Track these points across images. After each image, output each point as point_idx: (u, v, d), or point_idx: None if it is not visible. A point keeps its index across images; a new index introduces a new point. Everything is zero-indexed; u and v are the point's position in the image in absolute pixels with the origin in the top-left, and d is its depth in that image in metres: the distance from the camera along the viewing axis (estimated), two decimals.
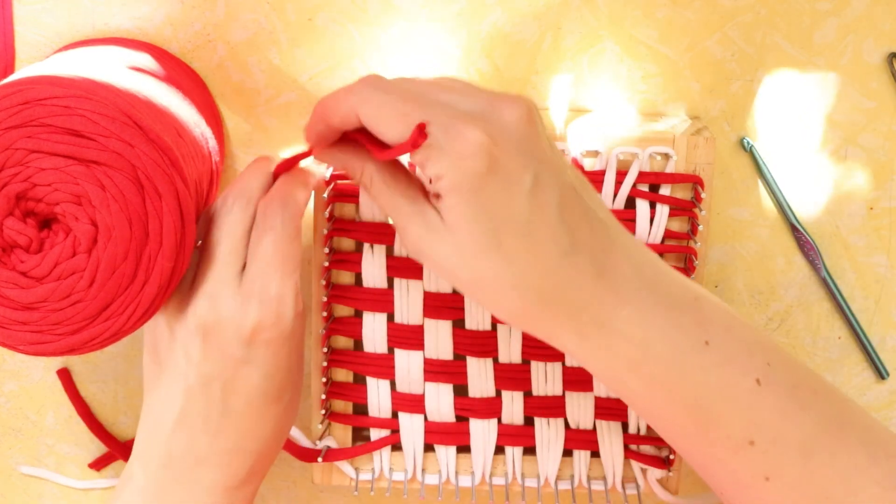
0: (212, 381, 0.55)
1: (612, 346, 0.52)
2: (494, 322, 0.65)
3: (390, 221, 0.63)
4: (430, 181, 0.50)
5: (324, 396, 0.66)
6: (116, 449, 0.72)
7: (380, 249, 0.64)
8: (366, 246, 0.64)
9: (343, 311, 0.65)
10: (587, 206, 0.51)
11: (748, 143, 0.66)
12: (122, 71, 0.56)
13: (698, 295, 0.53)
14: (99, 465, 0.73)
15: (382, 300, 0.64)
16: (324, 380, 0.66)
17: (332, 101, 0.53)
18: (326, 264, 0.64)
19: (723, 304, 0.54)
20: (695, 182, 0.63)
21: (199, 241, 0.56)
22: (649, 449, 0.67)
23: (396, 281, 0.64)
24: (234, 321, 0.54)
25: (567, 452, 0.67)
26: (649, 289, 0.52)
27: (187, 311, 0.55)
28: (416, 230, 0.52)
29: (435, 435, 0.67)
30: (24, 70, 0.55)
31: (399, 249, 0.64)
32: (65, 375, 0.71)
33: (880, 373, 0.70)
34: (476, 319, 0.65)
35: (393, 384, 0.66)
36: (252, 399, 0.56)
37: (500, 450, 0.68)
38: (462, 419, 0.67)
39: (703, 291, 0.54)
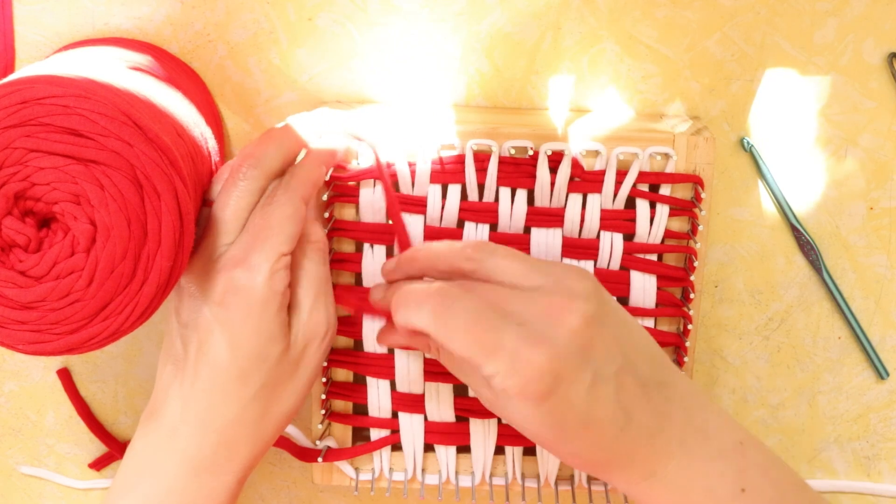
0: (191, 341, 0.56)
1: (656, 494, 0.56)
2: None
3: (389, 221, 0.63)
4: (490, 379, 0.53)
5: (324, 396, 0.66)
6: (116, 449, 0.72)
7: (380, 250, 0.64)
8: (366, 246, 0.64)
9: (344, 311, 0.65)
10: (645, 381, 0.55)
11: (748, 143, 0.66)
12: (122, 71, 0.56)
13: (742, 439, 0.56)
14: (99, 465, 0.73)
15: None
16: (324, 380, 0.66)
17: (405, 312, 0.55)
18: None
19: (763, 445, 0.58)
20: (695, 182, 0.63)
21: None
22: None
23: None
24: (207, 279, 0.56)
25: None
26: (697, 437, 0.55)
27: (184, 272, 0.56)
28: (485, 394, 0.56)
29: (435, 435, 0.67)
30: (24, 70, 0.55)
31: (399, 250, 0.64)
32: (65, 375, 0.71)
33: (880, 373, 0.70)
34: None
35: (393, 384, 0.66)
36: (218, 371, 0.56)
37: (500, 450, 0.68)
38: (462, 419, 0.67)
39: (745, 433, 0.57)
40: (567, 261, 0.64)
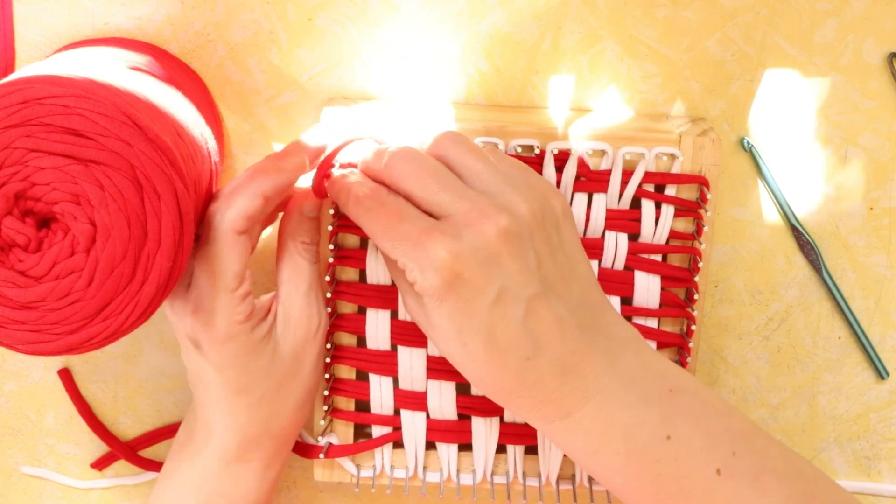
0: (188, 367, 0.61)
1: (573, 435, 0.55)
2: None
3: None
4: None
5: (326, 393, 0.66)
6: (118, 448, 0.72)
7: None
8: (370, 242, 0.64)
9: (347, 307, 0.65)
10: (564, 317, 0.54)
11: (748, 143, 0.66)
12: (122, 71, 0.56)
13: (674, 387, 0.56)
14: (101, 464, 0.73)
15: (386, 296, 0.64)
16: (326, 376, 0.66)
17: (343, 206, 0.58)
18: (331, 260, 0.64)
19: (702, 391, 0.57)
20: (700, 183, 0.63)
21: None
22: None
23: None
24: (181, 325, 0.59)
25: None
26: (619, 383, 0.55)
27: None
28: (409, 301, 0.58)
29: (437, 433, 0.67)
30: (24, 70, 0.55)
31: None
32: (65, 375, 0.71)
33: (880, 373, 0.70)
34: None
35: (395, 381, 0.66)
36: (215, 389, 0.60)
37: (501, 448, 0.68)
38: (464, 417, 0.67)
39: (683, 381, 0.57)
40: None
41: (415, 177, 0.55)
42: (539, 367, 0.54)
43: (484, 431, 0.67)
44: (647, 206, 0.63)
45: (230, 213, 0.57)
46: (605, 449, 0.55)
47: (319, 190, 0.60)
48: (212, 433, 0.61)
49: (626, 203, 0.63)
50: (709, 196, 0.63)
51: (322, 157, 0.60)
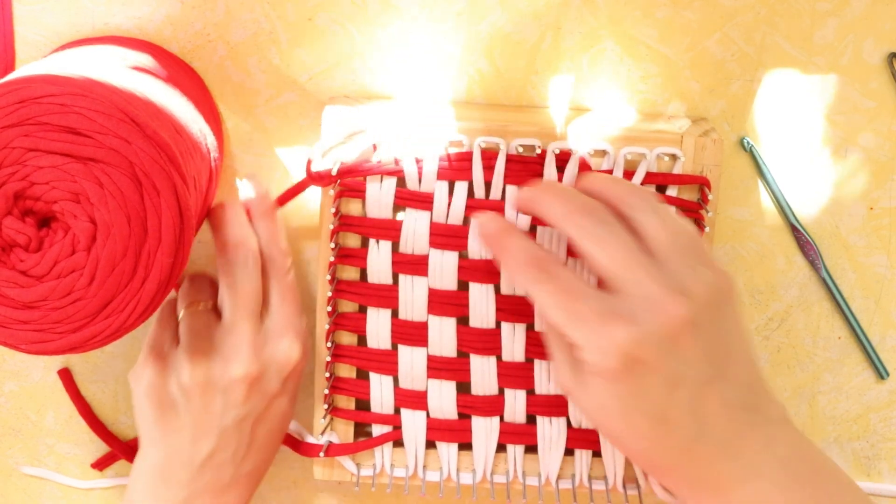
0: (248, 417, 0.61)
1: None
2: (498, 320, 0.65)
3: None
4: (576, 350, 0.55)
5: (327, 392, 0.66)
6: (118, 448, 0.72)
7: (385, 245, 0.64)
8: (371, 242, 0.64)
9: (348, 306, 0.66)
10: (727, 400, 0.54)
11: (748, 143, 0.66)
12: (120, 69, 0.56)
13: (818, 468, 0.56)
14: (101, 465, 0.73)
15: (387, 296, 0.64)
16: (327, 375, 0.66)
17: (508, 270, 0.59)
18: (332, 259, 0.64)
19: (841, 474, 0.57)
20: (702, 183, 0.63)
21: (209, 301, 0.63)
22: None
23: (401, 277, 0.64)
24: (278, 361, 0.61)
25: (569, 451, 0.67)
26: (775, 465, 0.55)
27: (227, 365, 0.60)
28: (566, 373, 0.57)
29: (437, 432, 0.67)
30: (22, 69, 0.55)
31: (404, 245, 0.64)
32: (66, 375, 0.71)
33: (880, 373, 0.70)
34: (480, 317, 0.65)
35: (396, 380, 0.66)
36: (275, 427, 0.63)
37: (501, 448, 0.68)
38: (464, 416, 0.67)
39: (821, 460, 0.57)
40: (572, 260, 0.64)
41: (603, 245, 0.55)
42: (703, 449, 0.54)
43: (484, 431, 0.67)
44: None
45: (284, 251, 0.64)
46: None
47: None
48: (232, 488, 0.62)
49: None
50: (710, 196, 0.63)
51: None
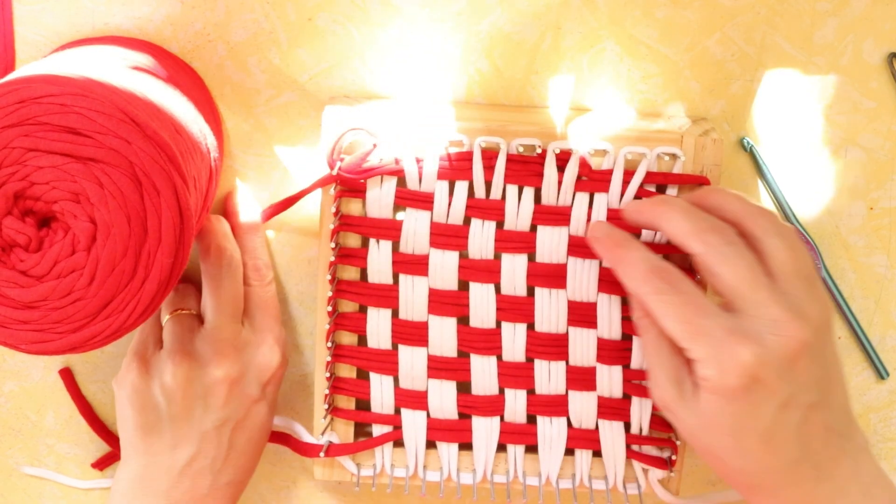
0: (227, 422, 0.62)
1: None
2: (499, 320, 0.65)
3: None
4: (691, 362, 0.55)
5: (327, 392, 0.66)
6: (119, 448, 0.72)
7: (385, 245, 0.64)
8: (371, 242, 0.64)
9: (348, 306, 0.66)
10: (828, 424, 0.56)
11: (748, 143, 0.66)
12: (120, 69, 0.56)
13: (893, 497, 0.58)
14: (102, 464, 0.73)
15: (387, 296, 0.64)
16: (327, 375, 0.66)
17: (626, 278, 0.58)
18: (332, 259, 0.64)
19: None
20: (702, 183, 0.63)
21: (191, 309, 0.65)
22: (651, 449, 0.67)
23: (402, 277, 0.64)
24: (258, 366, 0.63)
25: (569, 451, 0.67)
26: (859, 490, 0.56)
27: (210, 369, 0.62)
28: (669, 389, 0.57)
29: (437, 432, 0.67)
30: (21, 69, 0.55)
31: (404, 245, 0.64)
32: (66, 375, 0.71)
33: (880, 373, 0.70)
34: (480, 317, 0.65)
35: (396, 380, 0.66)
36: (254, 435, 0.64)
37: (501, 447, 0.68)
38: (464, 416, 0.67)
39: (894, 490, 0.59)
40: (572, 260, 0.64)
41: (730, 264, 0.55)
42: (801, 471, 0.55)
43: (484, 431, 0.67)
44: None
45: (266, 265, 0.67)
46: None
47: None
48: (210, 499, 0.62)
49: (627, 203, 0.63)
50: None
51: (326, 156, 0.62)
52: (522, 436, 0.67)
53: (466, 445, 0.68)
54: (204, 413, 0.62)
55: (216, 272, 0.63)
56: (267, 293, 0.65)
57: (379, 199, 0.63)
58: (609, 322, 0.65)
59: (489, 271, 0.64)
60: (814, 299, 0.56)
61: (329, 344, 0.65)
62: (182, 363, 0.61)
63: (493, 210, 0.63)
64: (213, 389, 0.62)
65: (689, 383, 0.56)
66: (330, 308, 0.65)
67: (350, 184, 0.63)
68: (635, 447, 0.67)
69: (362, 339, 0.66)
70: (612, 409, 0.66)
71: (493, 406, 0.66)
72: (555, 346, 0.65)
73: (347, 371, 0.67)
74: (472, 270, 0.64)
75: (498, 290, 0.65)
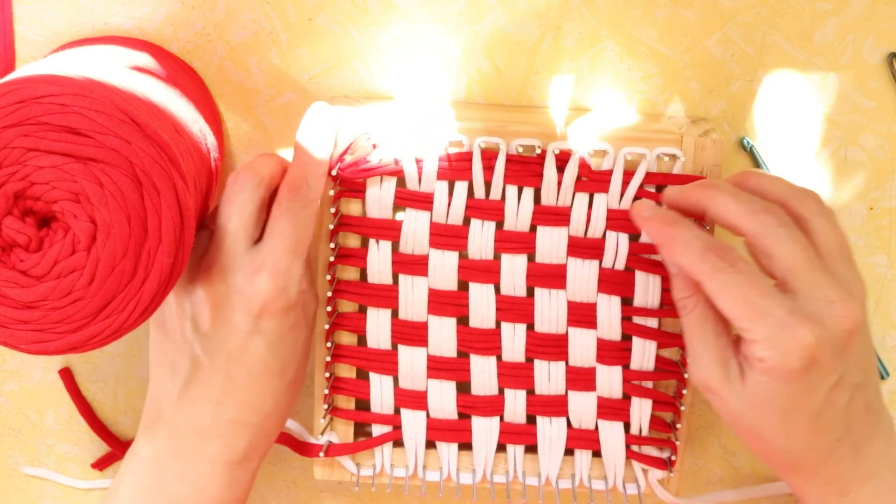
0: (218, 351, 0.58)
1: None
2: (498, 320, 0.65)
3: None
4: (745, 342, 0.55)
5: (326, 392, 0.66)
6: (119, 448, 0.72)
7: (385, 245, 0.64)
8: (371, 242, 0.64)
9: (347, 306, 0.66)
10: (868, 402, 0.57)
11: (748, 143, 0.66)
12: (120, 69, 0.56)
13: None
14: (102, 464, 0.73)
15: (387, 296, 0.64)
16: (327, 375, 0.66)
17: (681, 257, 0.57)
18: (332, 259, 0.64)
19: None
20: None
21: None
22: (651, 450, 0.67)
23: (401, 277, 0.64)
24: (244, 293, 0.58)
25: (568, 451, 0.67)
26: (891, 471, 0.57)
27: (197, 284, 0.58)
28: (714, 370, 0.57)
29: (437, 432, 0.67)
30: (21, 69, 0.55)
31: (404, 245, 0.64)
32: (66, 375, 0.71)
33: (880, 373, 0.70)
34: (480, 317, 0.65)
35: (396, 380, 0.66)
36: (255, 371, 0.59)
37: (501, 448, 0.68)
38: (464, 416, 0.67)
39: None
40: (572, 260, 0.64)
41: (786, 245, 0.55)
42: (842, 449, 0.56)
43: (484, 431, 0.67)
44: None
45: (321, 182, 0.59)
46: None
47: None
48: (214, 435, 0.59)
49: (627, 203, 0.63)
50: None
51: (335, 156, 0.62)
52: (522, 436, 0.67)
53: (466, 445, 0.68)
54: (194, 335, 0.58)
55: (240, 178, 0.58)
56: (295, 217, 0.58)
57: (378, 200, 0.63)
58: (609, 322, 0.65)
59: (489, 271, 0.64)
60: (857, 278, 0.56)
61: (329, 344, 0.65)
62: (184, 274, 0.58)
63: (492, 210, 0.63)
64: (198, 309, 0.58)
65: (734, 364, 0.56)
66: (330, 308, 0.65)
67: (350, 184, 0.63)
68: (635, 447, 0.67)
69: (362, 339, 0.66)
70: (612, 409, 0.66)
71: (493, 406, 0.66)
72: (554, 347, 0.65)
73: (347, 371, 0.67)
74: (472, 270, 0.64)
75: (498, 290, 0.65)
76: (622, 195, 0.63)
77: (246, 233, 0.58)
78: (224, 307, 0.58)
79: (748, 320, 0.54)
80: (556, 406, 0.66)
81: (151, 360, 0.61)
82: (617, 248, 0.64)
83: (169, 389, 0.60)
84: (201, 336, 0.58)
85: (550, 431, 0.67)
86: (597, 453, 0.67)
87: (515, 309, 0.65)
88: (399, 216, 0.64)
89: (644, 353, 0.65)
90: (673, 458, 0.67)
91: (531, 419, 0.67)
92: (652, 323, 0.65)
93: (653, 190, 0.63)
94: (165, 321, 0.60)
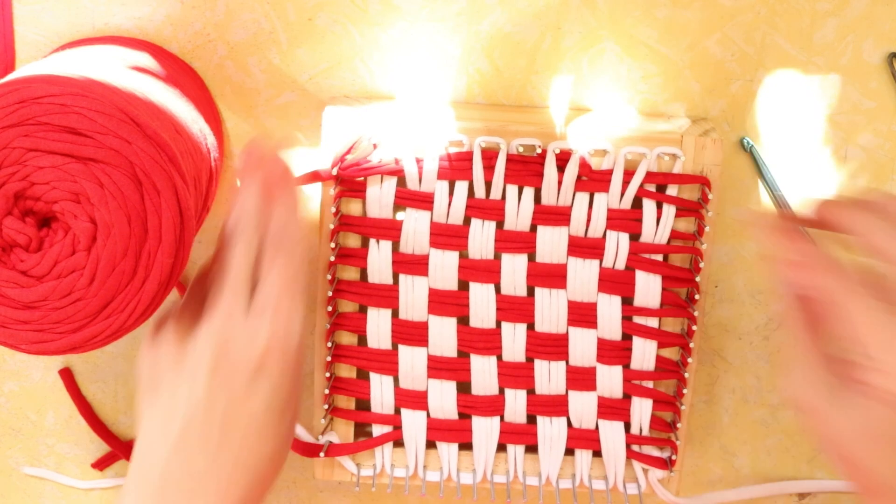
0: (216, 401, 0.55)
1: None
2: (499, 320, 0.65)
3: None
4: (863, 369, 0.53)
5: (327, 392, 0.66)
6: (119, 448, 0.72)
7: (385, 245, 0.64)
8: (372, 242, 0.64)
9: (348, 306, 0.66)
10: None
11: (748, 143, 0.66)
12: (120, 69, 0.56)
13: None
14: (102, 464, 0.73)
15: (387, 296, 0.65)
16: (327, 375, 0.66)
17: (812, 277, 0.55)
18: (332, 259, 0.64)
19: None
20: (702, 183, 0.63)
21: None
22: (651, 449, 0.67)
23: (402, 277, 0.64)
24: (244, 343, 0.55)
25: (569, 451, 0.67)
26: None
27: (198, 334, 0.55)
28: (821, 388, 0.54)
29: (437, 432, 0.67)
30: (22, 69, 0.55)
31: (404, 245, 0.64)
32: (67, 375, 0.71)
33: None
34: (480, 317, 0.65)
35: (396, 380, 0.66)
36: (253, 420, 0.56)
37: (501, 447, 0.68)
38: (464, 416, 0.67)
39: None
40: (572, 259, 0.64)
41: None
42: None
43: (484, 431, 0.67)
44: (649, 206, 0.63)
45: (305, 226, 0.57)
46: None
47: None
48: (203, 484, 0.55)
49: (627, 203, 0.63)
50: (710, 196, 0.63)
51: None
52: (522, 436, 0.67)
53: (466, 445, 0.68)
54: (192, 386, 0.55)
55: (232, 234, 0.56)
56: (286, 267, 0.56)
57: (379, 199, 0.63)
58: (609, 322, 0.65)
59: (489, 271, 0.64)
60: None
61: (329, 344, 0.65)
62: (174, 323, 0.55)
63: (493, 210, 0.63)
64: (195, 367, 0.54)
65: (839, 385, 0.55)
66: (330, 308, 0.65)
67: (350, 184, 0.63)
68: (635, 447, 0.67)
69: (362, 339, 0.66)
70: (612, 409, 0.67)
71: (493, 406, 0.66)
72: (555, 346, 0.65)
73: (347, 371, 0.67)
74: (472, 270, 0.64)
75: (498, 290, 0.65)
76: (622, 195, 0.63)
77: (245, 284, 0.55)
78: (225, 357, 0.55)
79: (881, 350, 0.53)
80: (557, 406, 0.66)
81: (141, 410, 0.57)
82: (617, 248, 0.64)
83: (160, 440, 0.55)
84: (199, 386, 0.55)
85: (551, 431, 0.67)
86: (597, 453, 0.67)
87: (516, 309, 0.65)
88: (399, 216, 0.64)
89: (644, 353, 0.65)
90: (673, 457, 0.67)
91: (531, 419, 0.67)
92: (652, 323, 0.65)
93: (653, 189, 0.63)
94: (158, 371, 0.56)
